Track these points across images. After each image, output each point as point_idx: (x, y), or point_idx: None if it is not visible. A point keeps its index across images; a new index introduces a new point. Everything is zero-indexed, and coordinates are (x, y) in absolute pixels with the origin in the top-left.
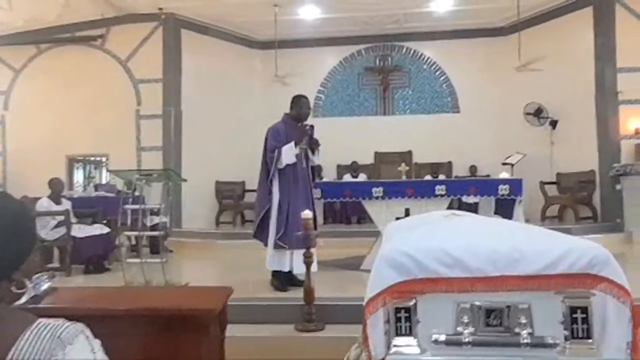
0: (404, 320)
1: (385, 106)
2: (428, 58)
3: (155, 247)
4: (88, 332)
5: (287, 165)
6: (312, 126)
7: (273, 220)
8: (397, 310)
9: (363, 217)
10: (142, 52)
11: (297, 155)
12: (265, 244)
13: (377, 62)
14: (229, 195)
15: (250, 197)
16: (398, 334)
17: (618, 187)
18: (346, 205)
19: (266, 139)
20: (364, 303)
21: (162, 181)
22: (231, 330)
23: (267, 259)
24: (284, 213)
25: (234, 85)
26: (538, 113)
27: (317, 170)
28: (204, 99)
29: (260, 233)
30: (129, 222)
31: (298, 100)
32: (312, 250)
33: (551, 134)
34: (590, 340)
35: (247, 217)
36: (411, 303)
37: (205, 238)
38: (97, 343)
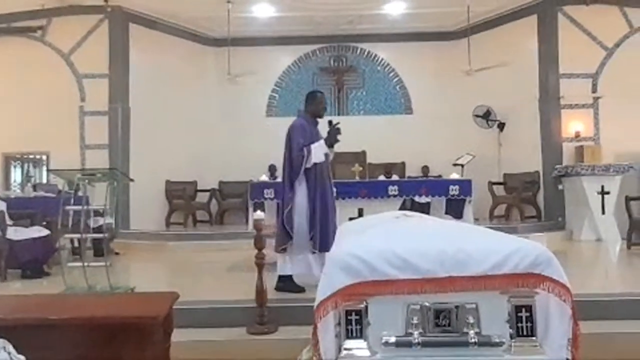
0: (354, 323)
1: (340, 106)
2: (382, 60)
3: (100, 249)
4: (10, 347)
5: (315, 163)
6: (330, 122)
7: (301, 223)
8: (348, 313)
9: None
10: (87, 45)
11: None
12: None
13: (332, 62)
14: (179, 196)
15: (202, 197)
16: (349, 336)
17: (560, 187)
18: None
19: (290, 138)
20: (314, 306)
21: (107, 181)
22: (181, 335)
23: (283, 265)
24: (317, 214)
25: (185, 83)
26: (487, 116)
27: None
28: (154, 96)
29: (284, 240)
30: (70, 223)
31: (314, 97)
32: (264, 251)
33: (499, 135)
34: (534, 338)
35: (199, 217)
36: (362, 305)
37: (154, 239)
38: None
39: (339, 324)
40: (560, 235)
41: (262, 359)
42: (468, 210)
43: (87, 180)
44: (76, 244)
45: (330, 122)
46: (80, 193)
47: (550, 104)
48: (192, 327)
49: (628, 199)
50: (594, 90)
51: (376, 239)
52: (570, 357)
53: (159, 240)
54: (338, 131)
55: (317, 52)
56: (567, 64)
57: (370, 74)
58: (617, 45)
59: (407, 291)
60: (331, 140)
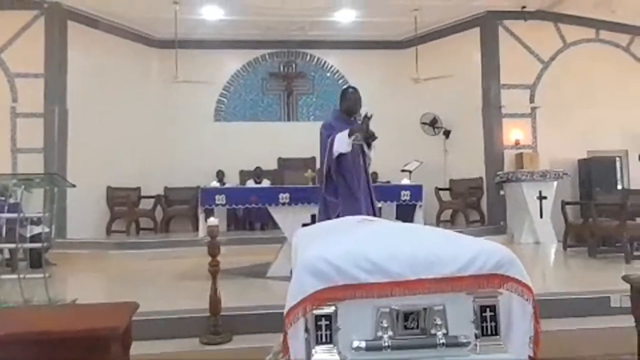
0: (324, 328)
1: (290, 112)
2: (331, 66)
3: (36, 260)
4: None
5: (344, 162)
6: (367, 115)
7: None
8: (317, 318)
9: (266, 223)
10: (20, 42)
11: (352, 151)
12: None
13: (282, 68)
14: (122, 202)
15: (146, 204)
16: (318, 342)
17: (502, 192)
18: (250, 212)
19: (320, 135)
20: (284, 313)
21: (45, 187)
22: (131, 349)
23: None
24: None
25: (128, 85)
26: (433, 123)
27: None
28: (94, 98)
29: None
30: (3, 233)
31: (345, 93)
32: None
33: (445, 143)
34: (498, 337)
35: (143, 225)
36: (331, 310)
37: (94, 248)
38: None
39: (307, 330)
40: (502, 239)
41: None
42: (418, 215)
43: (23, 186)
44: (7, 255)
45: (365, 115)
46: (12, 200)
47: (492, 113)
48: (141, 339)
49: (564, 204)
50: (532, 101)
51: (345, 243)
52: (532, 354)
53: (99, 249)
54: (366, 122)
55: (267, 57)
56: (508, 75)
57: (319, 80)
58: (552, 58)
59: (377, 294)
60: (359, 130)
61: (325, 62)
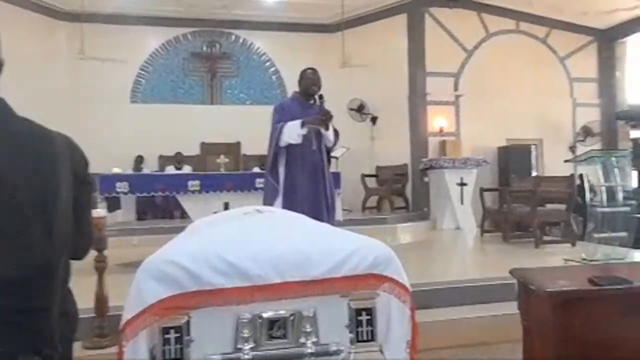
0: (173, 342)
1: (213, 95)
2: (258, 48)
3: None
4: None
5: (291, 145)
6: (321, 96)
7: None
8: (165, 330)
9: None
10: None
11: (304, 136)
12: None
13: (205, 48)
14: None
15: None
16: (165, 359)
17: (425, 179)
18: (168, 199)
19: (272, 117)
20: (120, 326)
21: None
22: None
23: None
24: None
25: (31, 62)
26: (360, 109)
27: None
28: None
29: None
30: None
31: (303, 73)
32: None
33: (372, 129)
34: (374, 342)
35: None
36: (183, 321)
37: None
38: None
39: (153, 346)
40: (425, 225)
41: None
42: (337, 203)
43: None
44: None
45: (320, 96)
46: None
47: (417, 100)
48: None
49: (482, 190)
50: (456, 89)
51: (200, 241)
52: None
53: None
54: (321, 103)
55: (189, 35)
56: (433, 63)
57: (245, 62)
58: (476, 47)
59: (236, 301)
60: (312, 122)
61: (251, 44)
